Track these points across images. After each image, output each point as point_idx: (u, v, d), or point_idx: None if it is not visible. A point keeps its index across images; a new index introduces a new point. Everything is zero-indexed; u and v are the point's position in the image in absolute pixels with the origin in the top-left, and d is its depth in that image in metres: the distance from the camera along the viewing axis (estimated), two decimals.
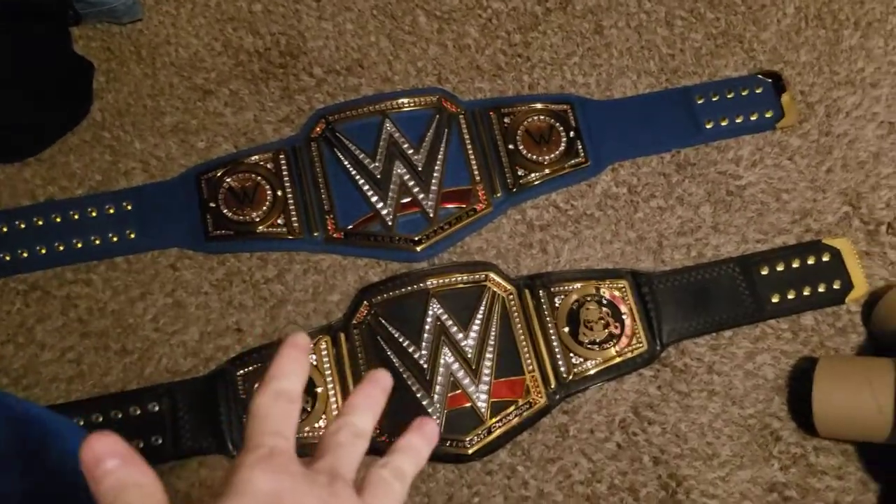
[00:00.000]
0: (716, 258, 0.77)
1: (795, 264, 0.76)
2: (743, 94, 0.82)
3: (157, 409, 0.70)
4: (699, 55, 0.84)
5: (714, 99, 0.81)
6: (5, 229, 0.75)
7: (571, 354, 0.72)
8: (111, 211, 0.76)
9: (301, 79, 0.82)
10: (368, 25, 0.84)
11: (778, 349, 0.74)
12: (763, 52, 0.84)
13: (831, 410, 0.67)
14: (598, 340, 0.73)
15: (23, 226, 0.75)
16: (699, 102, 0.81)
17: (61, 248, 0.75)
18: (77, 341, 0.72)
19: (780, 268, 0.76)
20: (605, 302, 0.74)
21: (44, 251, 0.74)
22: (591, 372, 0.72)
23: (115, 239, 0.75)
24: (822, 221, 0.78)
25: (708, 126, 0.81)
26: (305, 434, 0.69)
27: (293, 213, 0.76)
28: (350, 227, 0.76)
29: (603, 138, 0.80)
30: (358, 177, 0.77)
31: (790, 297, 0.75)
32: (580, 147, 0.79)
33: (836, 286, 0.75)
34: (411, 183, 0.77)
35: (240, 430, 0.69)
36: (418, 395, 0.70)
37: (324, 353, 0.72)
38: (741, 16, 0.85)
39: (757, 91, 0.82)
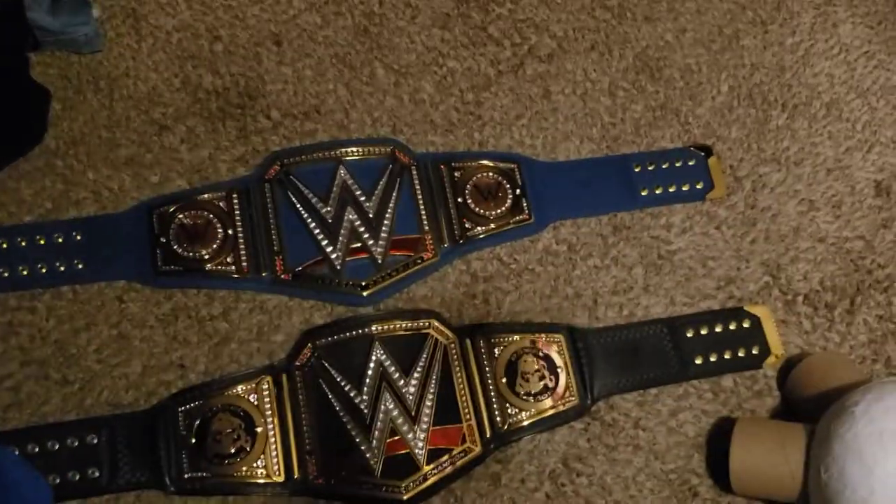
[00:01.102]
0: (646, 318, 0.81)
1: (718, 328, 0.81)
2: (677, 164, 0.87)
3: (95, 441, 0.70)
4: (638, 125, 0.89)
5: (650, 168, 0.87)
6: None
7: (507, 405, 0.75)
8: (60, 240, 0.76)
9: (258, 120, 0.83)
10: (327, 73, 0.86)
11: (699, 408, 0.79)
12: (698, 126, 0.90)
13: (746, 470, 0.72)
14: (533, 392, 0.76)
15: None
16: (636, 170, 0.86)
17: (6, 274, 0.74)
18: (17, 369, 0.72)
19: (703, 331, 0.81)
20: (542, 355, 0.77)
21: None
22: (525, 423, 0.75)
23: (62, 268, 0.75)
24: (744, 289, 0.83)
25: (643, 193, 0.86)
26: (243, 473, 0.70)
27: (243, 252, 0.77)
28: (298, 269, 0.77)
29: (546, 198, 0.84)
30: (309, 220, 0.79)
31: (712, 359, 0.80)
32: (525, 205, 0.83)
33: (754, 351, 0.80)
34: (361, 229, 0.79)
35: (178, 466, 0.69)
36: (357, 440, 0.72)
37: (265, 393, 0.73)
38: (679, 91, 0.91)
39: (690, 163, 0.87)
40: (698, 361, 0.79)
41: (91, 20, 0.81)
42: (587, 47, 0.91)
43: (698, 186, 0.87)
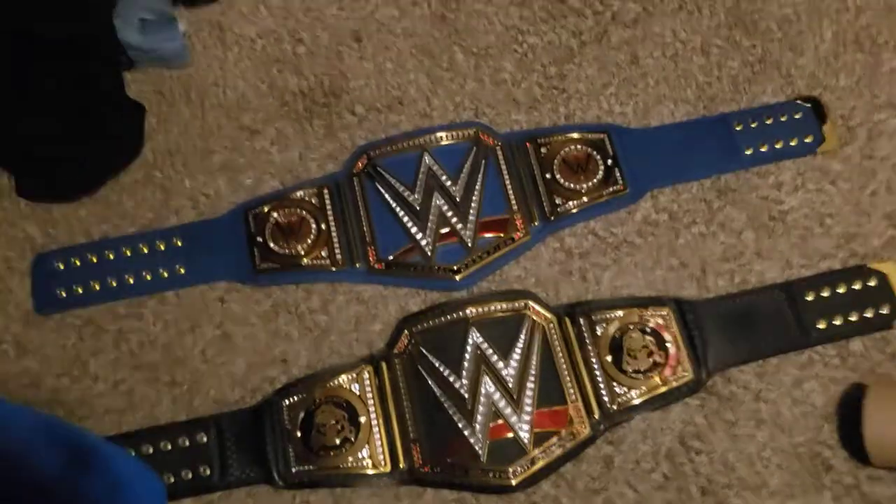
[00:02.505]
0: (760, 284, 0.76)
1: (841, 289, 0.75)
2: (782, 119, 0.81)
3: (204, 440, 0.71)
4: (736, 82, 0.84)
5: (753, 125, 0.81)
6: (62, 266, 0.77)
7: (615, 384, 0.72)
8: (162, 247, 0.78)
9: (343, 117, 0.84)
10: (407, 64, 0.86)
11: (826, 376, 0.73)
12: (801, 77, 0.84)
13: (884, 438, 0.66)
14: (642, 369, 0.72)
15: (78, 263, 0.78)
16: (738, 129, 0.81)
17: (114, 283, 0.77)
18: (129, 374, 0.75)
19: (825, 293, 0.75)
20: (648, 330, 0.74)
21: (97, 287, 0.77)
22: (636, 402, 0.72)
23: (165, 274, 0.77)
24: (867, 246, 0.77)
25: (748, 152, 0.81)
26: (349, 464, 0.70)
27: (336, 245, 0.78)
28: (390, 257, 0.77)
29: (641, 166, 0.80)
30: (398, 209, 0.79)
31: (836, 322, 0.74)
32: (618, 174, 0.80)
33: (883, 311, 0.74)
34: (450, 214, 0.78)
35: (285, 461, 0.70)
36: (460, 425, 0.71)
37: (366, 382, 0.73)
38: (778, 42, 0.85)
39: (796, 116, 0.82)
40: (821, 326, 0.74)
41: (178, 35, 0.84)
42: (674, 8, 0.87)
43: (807, 140, 0.81)
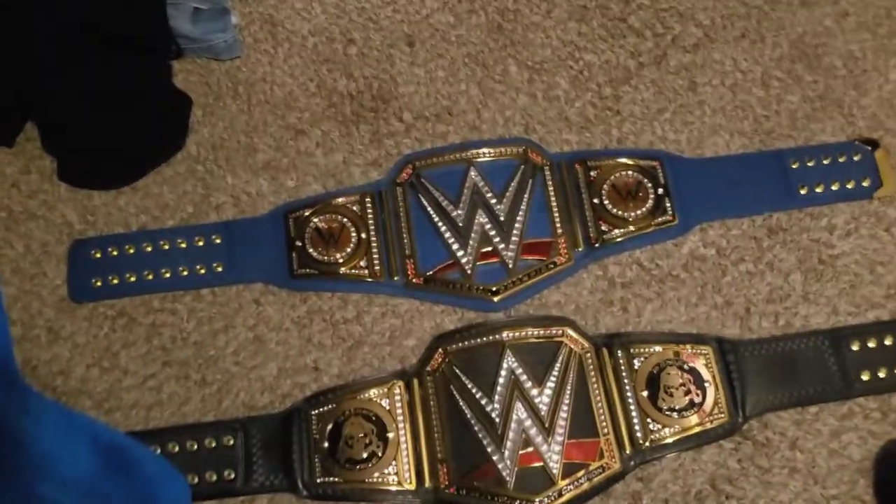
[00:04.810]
0: (805, 329, 0.74)
1: (888, 342, 0.73)
2: (840, 160, 0.79)
3: (231, 442, 0.71)
4: (795, 118, 0.82)
5: (809, 164, 0.79)
6: (98, 255, 0.77)
7: (649, 420, 0.71)
8: (200, 243, 0.77)
9: (391, 123, 0.82)
10: (460, 73, 0.84)
11: (865, 429, 0.71)
12: (863, 118, 0.82)
13: None
14: (677, 408, 0.71)
15: (115, 253, 0.77)
16: (794, 167, 0.79)
17: (150, 276, 0.77)
18: (159, 369, 0.74)
19: (871, 344, 0.73)
20: (687, 368, 0.72)
21: (133, 279, 0.76)
22: (669, 440, 0.70)
23: (202, 271, 0.77)
24: None
25: (802, 192, 0.79)
26: (375, 479, 0.69)
27: (375, 256, 0.77)
28: (429, 273, 0.76)
29: (692, 197, 0.79)
30: (440, 223, 0.77)
31: (881, 375, 0.72)
32: (668, 205, 0.78)
33: None
34: (492, 233, 0.77)
35: (311, 470, 0.69)
36: (489, 450, 0.70)
37: (397, 398, 0.72)
38: (841, 80, 0.83)
39: (854, 158, 0.79)
40: (865, 377, 0.72)
41: (230, 27, 0.82)
42: (737, 35, 0.85)
43: (864, 184, 0.79)
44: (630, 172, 0.79)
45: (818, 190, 0.79)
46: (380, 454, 0.70)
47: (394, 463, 0.70)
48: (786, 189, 0.79)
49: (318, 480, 0.69)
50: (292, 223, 0.78)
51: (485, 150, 0.80)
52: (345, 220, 0.78)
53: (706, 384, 0.72)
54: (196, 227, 0.78)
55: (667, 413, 0.71)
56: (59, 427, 0.52)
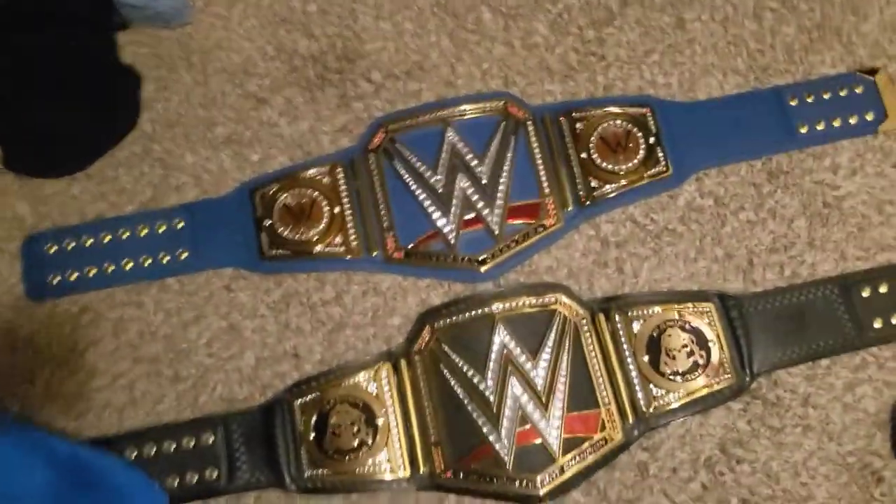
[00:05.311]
0: (812, 278, 0.70)
1: None
2: (841, 94, 0.74)
3: (211, 440, 0.67)
4: (791, 51, 0.76)
5: (809, 100, 0.74)
6: (54, 249, 0.72)
7: (651, 386, 0.67)
8: (162, 229, 0.72)
9: (358, 85, 0.77)
10: (429, 24, 0.78)
11: (880, 380, 0.68)
12: (863, 45, 0.76)
13: None
14: (681, 371, 0.67)
15: (72, 246, 0.72)
16: (792, 104, 0.74)
17: (111, 268, 0.72)
18: (129, 367, 0.70)
19: (882, 289, 0.69)
20: (689, 328, 0.68)
21: (93, 272, 0.71)
22: (674, 405, 0.66)
23: (166, 259, 0.72)
24: None
25: (802, 130, 0.73)
26: (366, 469, 0.65)
27: (351, 231, 0.72)
28: (410, 245, 0.71)
29: (686, 144, 0.73)
30: (419, 191, 0.72)
31: (895, 322, 0.68)
32: (661, 154, 0.73)
33: None
34: (475, 197, 0.72)
35: (298, 464, 0.66)
36: (485, 430, 0.66)
37: (384, 381, 0.68)
38: (838, 6, 0.77)
39: (856, 91, 0.74)
40: (877, 325, 0.68)
41: None
42: None
43: (868, 118, 0.73)
44: (619, 122, 0.74)
45: (819, 128, 0.73)
46: (370, 442, 0.66)
47: (385, 450, 0.66)
48: (785, 129, 0.74)
49: (307, 474, 0.66)
50: (259, 201, 0.73)
51: (462, 107, 0.75)
52: (315, 193, 0.73)
53: (710, 344, 0.68)
54: (157, 211, 0.73)
55: (670, 377, 0.67)
56: (10, 443, 0.49)
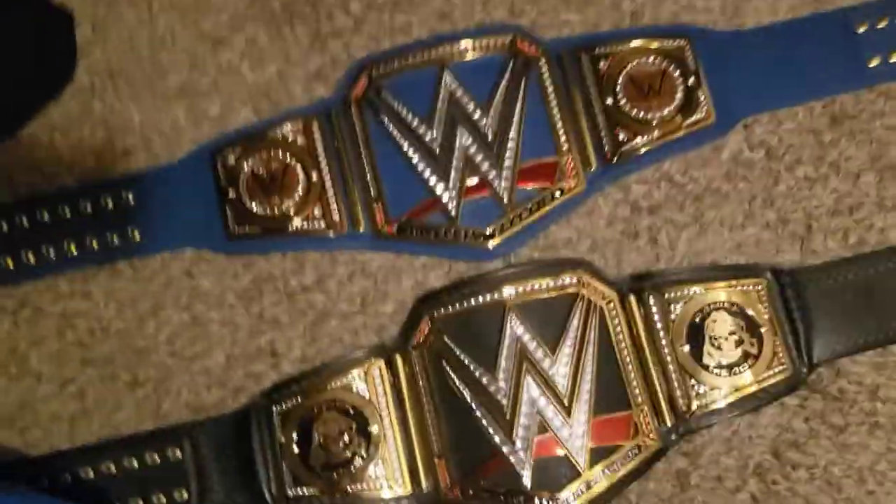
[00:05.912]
0: (882, 246, 0.60)
1: None
2: None
3: (178, 455, 0.58)
4: None
5: (880, 26, 0.62)
6: None
7: (693, 381, 0.57)
8: (109, 205, 0.62)
9: (335, 18, 0.64)
10: None
11: None
12: None
13: None
14: (727, 363, 0.57)
15: (4, 228, 0.61)
16: (861, 31, 0.62)
17: (52, 253, 0.61)
18: (79, 370, 0.60)
19: None
20: (736, 310, 0.58)
21: (31, 259, 0.61)
22: (719, 404, 0.57)
23: (115, 240, 0.61)
24: None
25: (873, 64, 0.62)
26: (359, 486, 0.57)
27: (332, 201, 0.61)
28: (403, 218, 0.60)
29: (732, 84, 0.61)
30: (411, 151, 0.61)
31: None
32: (702, 98, 0.61)
33: None
34: (479, 157, 0.61)
35: (279, 482, 0.57)
36: (496, 440, 0.56)
37: (377, 381, 0.58)
38: None
39: None
40: None
41: None
42: None
43: None
44: (651, 59, 0.61)
45: (893, 60, 0.61)
46: (363, 454, 0.57)
47: (381, 463, 0.57)
48: (852, 62, 0.62)
49: (290, 493, 0.57)
50: (221, 168, 0.61)
51: (460, 44, 0.62)
52: (288, 157, 0.61)
53: (762, 329, 0.58)
54: (101, 184, 0.62)
55: (715, 371, 0.57)
56: None
